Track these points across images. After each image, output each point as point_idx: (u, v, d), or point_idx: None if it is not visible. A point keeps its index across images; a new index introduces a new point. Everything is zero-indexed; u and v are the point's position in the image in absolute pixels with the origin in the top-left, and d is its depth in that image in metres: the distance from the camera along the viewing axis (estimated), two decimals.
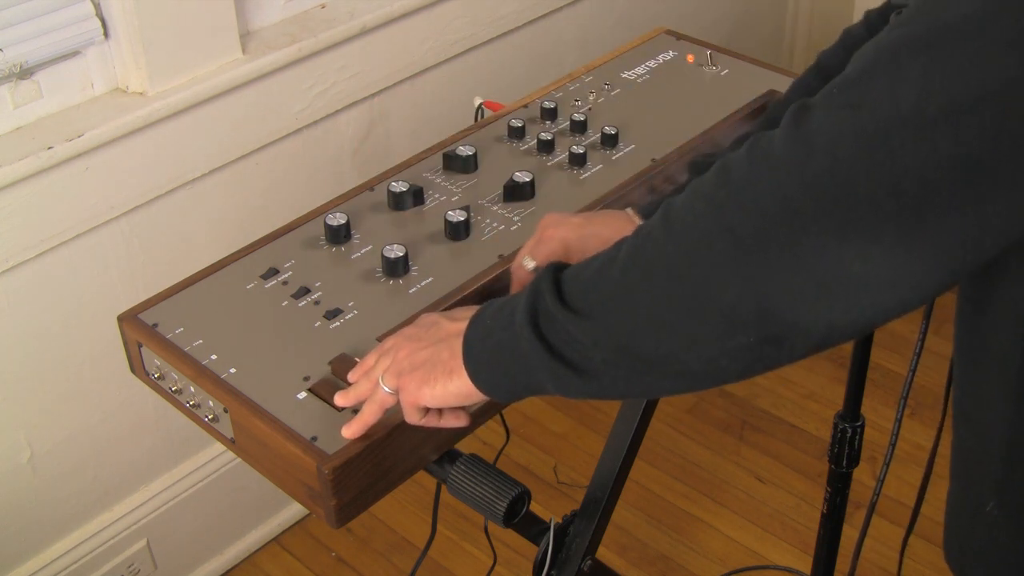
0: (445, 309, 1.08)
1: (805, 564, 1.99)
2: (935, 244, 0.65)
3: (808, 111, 0.68)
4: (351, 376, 0.97)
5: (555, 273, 0.80)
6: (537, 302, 0.79)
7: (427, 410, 0.91)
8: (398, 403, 0.91)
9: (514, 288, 1.13)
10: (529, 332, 0.78)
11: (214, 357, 1.04)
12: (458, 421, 0.93)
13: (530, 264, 1.09)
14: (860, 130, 0.65)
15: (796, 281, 0.67)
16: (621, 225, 1.09)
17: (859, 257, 0.65)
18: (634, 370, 0.76)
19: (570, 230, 1.08)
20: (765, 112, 1.24)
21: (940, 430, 1.18)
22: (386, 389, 0.91)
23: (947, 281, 0.67)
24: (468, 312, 0.89)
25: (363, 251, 1.17)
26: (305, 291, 1.11)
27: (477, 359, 0.84)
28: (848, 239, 0.65)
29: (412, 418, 0.91)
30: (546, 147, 1.32)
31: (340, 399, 0.95)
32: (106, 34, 1.55)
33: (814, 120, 0.67)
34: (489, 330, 0.84)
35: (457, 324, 0.88)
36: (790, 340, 0.70)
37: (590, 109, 1.42)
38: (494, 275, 1.12)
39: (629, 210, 1.12)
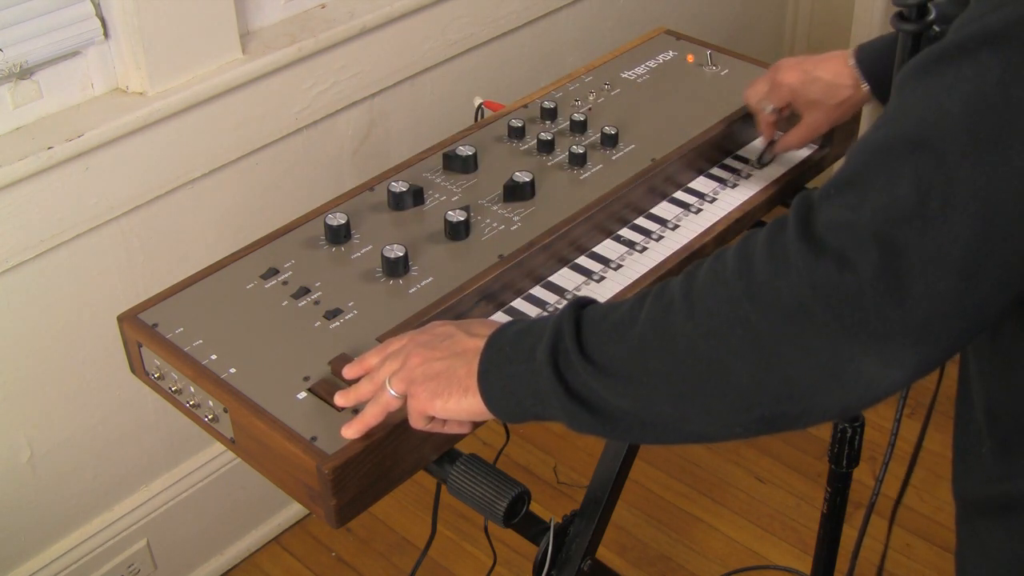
0: (445, 309, 1.08)
1: (805, 564, 1.99)
2: (943, 339, 0.68)
3: (812, 211, 0.71)
4: (348, 372, 0.97)
5: (577, 311, 0.82)
6: (559, 342, 0.81)
7: (433, 417, 0.91)
8: (401, 406, 0.92)
9: (762, 130, 1.33)
10: (549, 371, 0.80)
11: (214, 357, 1.04)
12: (461, 429, 0.94)
13: (768, 107, 1.30)
14: (863, 233, 0.67)
15: (809, 373, 0.71)
16: (839, 69, 1.23)
17: (870, 356, 0.69)
18: (649, 425, 0.79)
19: (796, 76, 1.25)
20: None
21: (926, 425, 1.21)
22: (393, 393, 0.91)
23: (955, 353, 0.71)
24: (485, 328, 0.90)
25: (363, 251, 1.17)
26: (305, 291, 1.11)
27: (492, 384, 0.86)
28: (858, 341, 0.68)
29: (417, 424, 0.92)
30: (546, 147, 1.32)
31: (340, 399, 0.95)
32: (106, 34, 1.55)
33: (819, 223, 0.70)
34: (507, 358, 0.85)
35: (475, 341, 0.89)
36: (804, 418, 0.74)
37: (590, 109, 1.42)
38: (494, 275, 1.12)
39: (850, 52, 1.23)
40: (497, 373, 0.85)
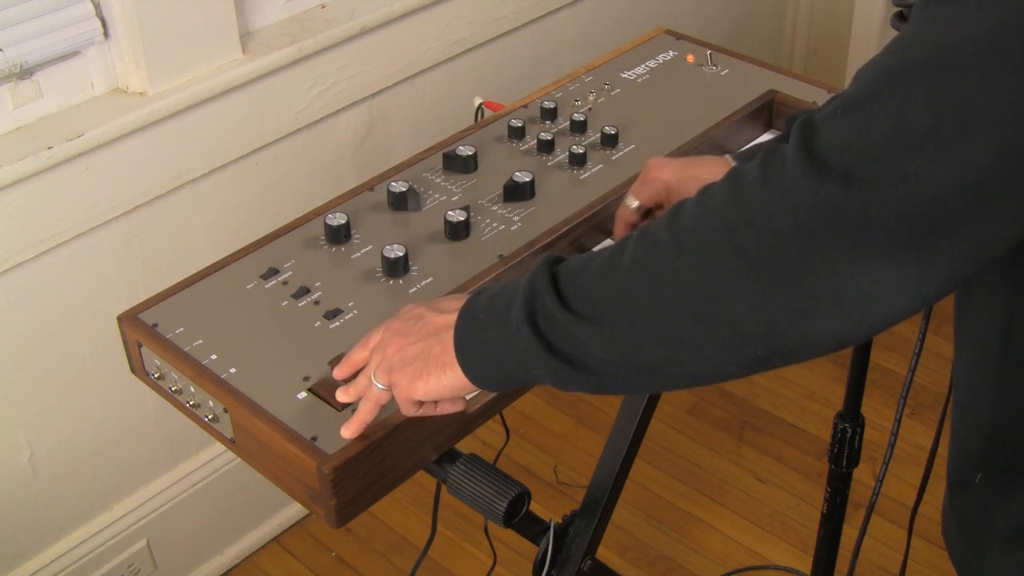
0: None
1: (805, 564, 1.99)
2: (945, 262, 0.67)
3: (815, 133, 0.69)
4: (338, 373, 0.97)
5: (551, 268, 0.80)
6: (535, 300, 0.79)
7: (422, 402, 0.91)
8: (391, 398, 0.92)
9: (617, 231, 1.19)
10: (528, 331, 0.79)
11: (214, 357, 1.04)
12: (454, 407, 0.93)
13: (633, 203, 1.17)
14: (871, 155, 0.66)
15: (806, 298, 0.69)
16: (719, 170, 1.10)
17: (870, 275, 0.67)
18: (637, 372, 0.77)
19: (672, 172, 1.15)
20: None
21: (940, 429, 1.19)
22: (379, 386, 0.91)
23: (954, 287, 0.69)
24: (454, 303, 0.89)
25: (363, 251, 1.17)
26: (305, 291, 1.11)
27: (470, 354, 0.85)
28: (859, 259, 0.67)
29: (408, 411, 0.92)
30: (546, 147, 1.32)
31: (341, 395, 0.95)
32: (106, 34, 1.55)
33: (824, 144, 0.68)
34: (482, 325, 0.84)
35: (445, 317, 0.88)
36: (798, 352, 0.72)
37: (590, 109, 1.42)
38: (494, 275, 1.12)
39: (728, 156, 1.16)
40: (474, 342, 0.84)
